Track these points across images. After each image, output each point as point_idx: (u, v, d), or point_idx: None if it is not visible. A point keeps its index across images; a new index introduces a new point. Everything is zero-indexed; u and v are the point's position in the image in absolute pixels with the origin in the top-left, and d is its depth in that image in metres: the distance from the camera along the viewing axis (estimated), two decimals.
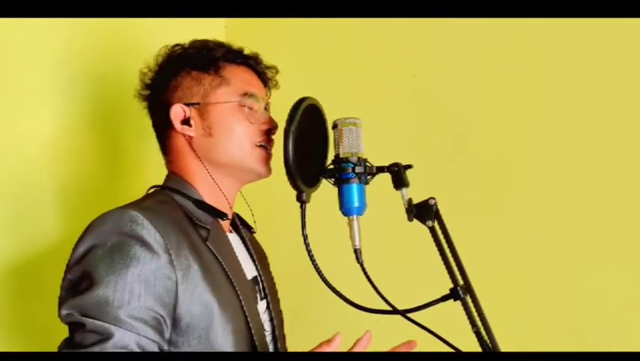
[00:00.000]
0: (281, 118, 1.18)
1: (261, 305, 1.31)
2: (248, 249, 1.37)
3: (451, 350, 1.13)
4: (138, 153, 1.72)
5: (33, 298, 1.47)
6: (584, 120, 1.57)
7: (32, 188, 1.49)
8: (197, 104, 1.28)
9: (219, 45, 1.33)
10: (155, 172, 1.36)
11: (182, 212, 1.22)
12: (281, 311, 1.41)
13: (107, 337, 1.05)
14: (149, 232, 1.12)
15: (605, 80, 1.56)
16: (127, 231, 1.11)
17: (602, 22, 1.51)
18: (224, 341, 1.16)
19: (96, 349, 1.04)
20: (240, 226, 1.39)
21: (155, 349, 1.09)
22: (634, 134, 1.53)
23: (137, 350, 1.06)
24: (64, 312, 1.09)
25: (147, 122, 1.37)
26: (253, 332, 1.21)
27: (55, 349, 1.14)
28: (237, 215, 1.41)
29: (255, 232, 1.43)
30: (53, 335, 1.20)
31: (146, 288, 1.09)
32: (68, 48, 1.58)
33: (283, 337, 1.38)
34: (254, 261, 1.36)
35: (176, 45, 1.34)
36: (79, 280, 1.11)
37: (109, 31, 1.67)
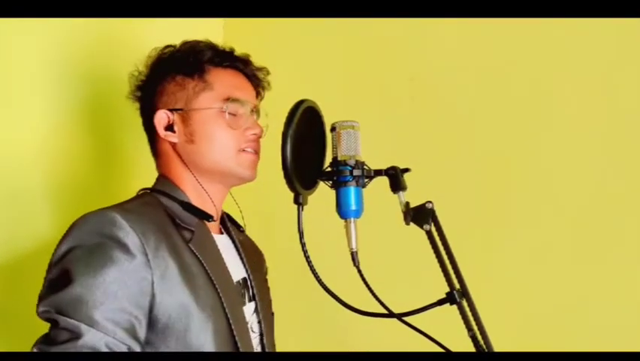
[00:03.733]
0: (278, 119, 1.18)
1: (249, 307, 1.31)
2: (238, 250, 1.36)
3: None
4: (130, 152, 1.71)
5: (25, 298, 1.45)
6: (582, 125, 1.57)
7: (24, 189, 1.48)
8: (181, 110, 1.28)
9: (208, 47, 1.33)
10: (148, 172, 1.35)
11: (166, 214, 1.23)
12: (273, 314, 1.41)
13: (77, 336, 1.06)
14: (126, 233, 1.13)
15: (604, 80, 1.55)
16: (106, 232, 1.12)
17: (602, 22, 1.51)
18: (203, 341, 1.15)
19: (68, 346, 1.05)
20: (231, 226, 1.39)
21: (124, 350, 1.10)
22: (632, 135, 1.52)
23: (106, 351, 1.07)
24: (41, 309, 1.11)
25: (139, 122, 1.37)
26: (235, 333, 1.20)
27: None
28: (227, 215, 1.41)
29: (243, 231, 1.43)
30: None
31: (121, 289, 1.10)
32: (61, 48, 1.58)
33: (272, 339, 1.37)
34: (243, 262, 1.35)
35: (167, 47, 1.34)
36: (57, 279, 1.12)
37: (106, 31, 1.66)
